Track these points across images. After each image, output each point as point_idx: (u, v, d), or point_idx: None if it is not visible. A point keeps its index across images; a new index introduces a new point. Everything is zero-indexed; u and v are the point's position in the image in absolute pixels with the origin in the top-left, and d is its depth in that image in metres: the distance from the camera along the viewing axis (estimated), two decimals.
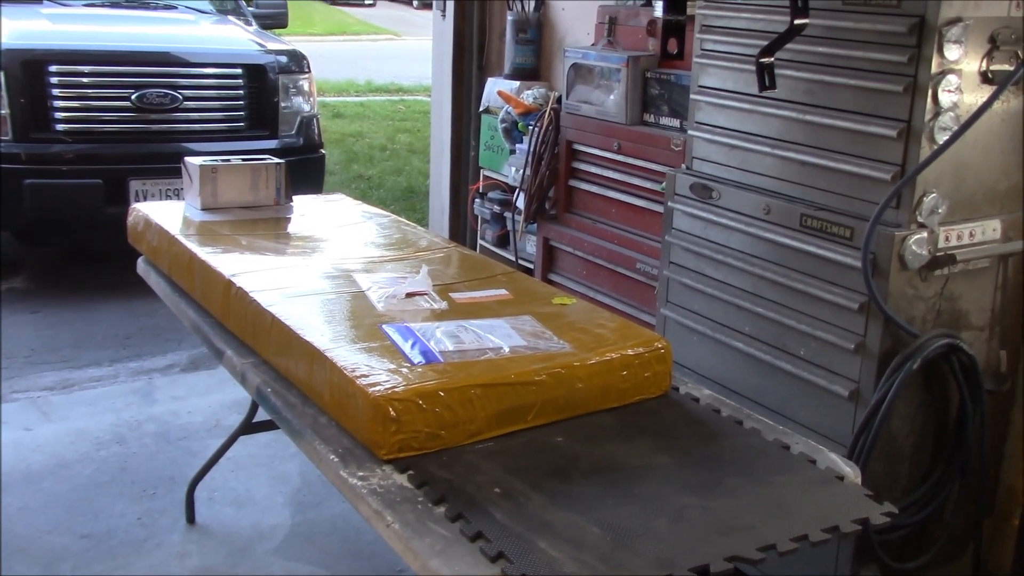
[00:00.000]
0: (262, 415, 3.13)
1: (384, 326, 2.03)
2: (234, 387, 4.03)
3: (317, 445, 1.82)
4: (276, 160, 3.01)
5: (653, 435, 1.87)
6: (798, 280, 2.34)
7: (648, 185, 3.20)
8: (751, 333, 2.49)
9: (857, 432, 2.17)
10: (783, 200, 2.39)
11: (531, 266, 3.80)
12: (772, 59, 2.04)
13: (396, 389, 1.74)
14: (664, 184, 2.78)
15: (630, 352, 1.97)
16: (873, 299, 2.14)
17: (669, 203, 2.70)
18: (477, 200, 4.23)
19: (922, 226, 2.16)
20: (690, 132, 2.67)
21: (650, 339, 2.03)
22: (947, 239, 2.20)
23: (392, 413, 1.71)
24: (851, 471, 1.78)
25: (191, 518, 3.14)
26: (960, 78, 2.10)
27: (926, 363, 2.16)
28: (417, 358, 1.87)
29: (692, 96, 2.65)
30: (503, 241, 4.15)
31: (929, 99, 2.08)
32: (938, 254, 2.18)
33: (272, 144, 5.35)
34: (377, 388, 1.74)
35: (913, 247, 2.13)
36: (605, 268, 3.39)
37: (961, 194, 2.21)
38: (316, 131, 5.72)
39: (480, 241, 4.34)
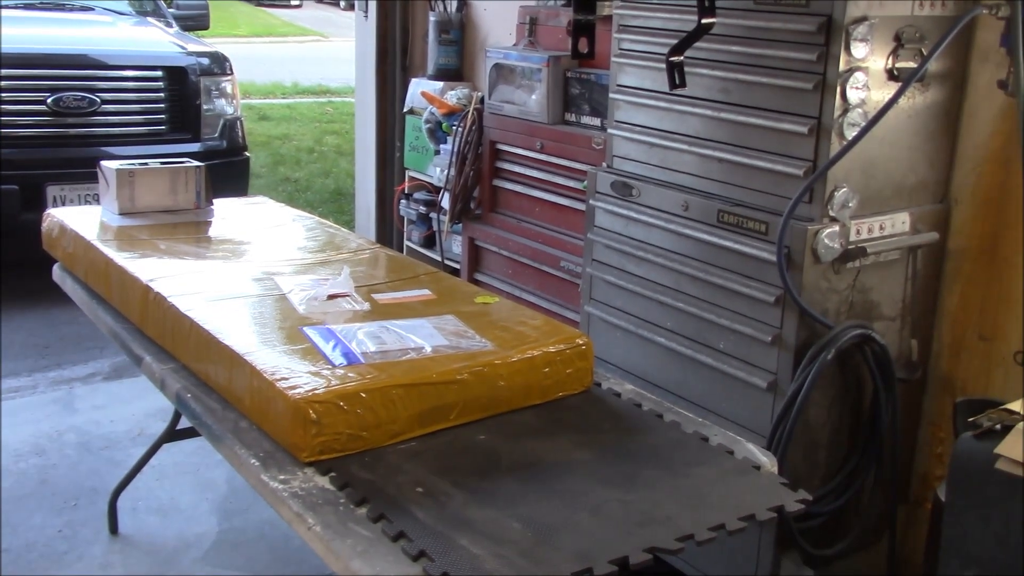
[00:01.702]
0: (186, 422, 3.09)
1: (305, 328, 2.02)
2: (158, 395, 3.95)
3: (237, 450, 1.80)
4: (195, 163, 2.97)
5: (574, 431, 1.89)
6: (716, 275, 2.38)
7: (571, 184, 3.23)
8: (672, 328, 2.53)
9: (775, 422, 2.22)
10: (701, 197, 2.43)
11: (457, 266, 3.81)
12: (682, 58, 2.08)
13: (316, 391, 1.73)
14: (586, 182, 2.81)
15: (552, 349, 1.99)
16: (788, 292, 2.19)
17: (591, 201, 2.73)
18: (403, 201, 4.22)
19: (834, 220, 2.21)
20: (610, 131, 2.70)
21: (571, 336, 2.04)
22: (858, 232, 2.26)
23: (312, 415, 1.70)
24: (767, 460, 1.81)
25: (114, 529, 3.08)
26: (867, 75, 2.15)
27: (840, 353, 2.22)
28: (338, 360, 1.87)
29: (611, 95, 2.68)
30: (430, 242, 4.15)
31: (838, 96, 2.13)
32: (850, 247, 2.24)
33: (195, 147, 5.26)
34: (297, 391, 1.73)
35: (825, 240, 2.19)
36: (530, 267, 3.41)
37: (870, 189, 2.27)
38: (240, 134, 5.65)
39: (406, 242, 4.33)
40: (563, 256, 3.22)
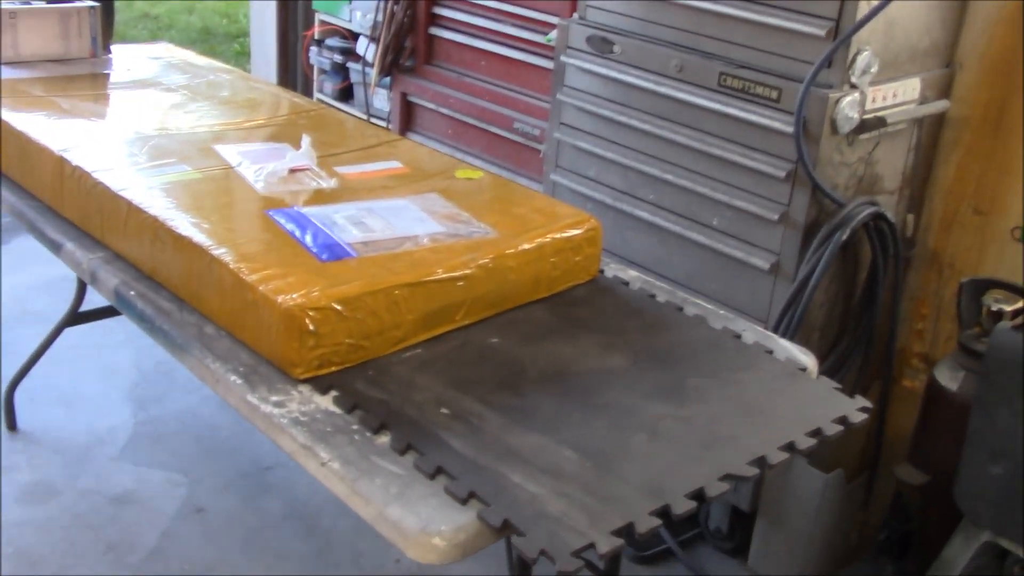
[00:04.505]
0: (90, 303, 2.73)
1: (272, 213, 1.71)
2: (40, 266, 3.53)
3: (210, 363, 1.51)
4: (90, 3, 2.50)
5: (595, 330, 1.67)
6: (714, 145, 2.16)
7: (526, 36, 2.89)
8: (655, 202, 2.31)
9: (784, 308, 2.06)
10: (698, 56, 2.17)
11: (384, 123, 3.45)
12: None
13: (312, 295, 1.44)
14: (549, 36, 2.51)
15: (561, 235, 1.74)
16: (804, 167, 1.99)
17: (561, 57, 2.43)
18: (313, 48, 3.79)
19: (853, 87, 2.00)
20: None
21: (579, 219, 1.80)
22: (873, 100, 2.06)
23: (309, 326, 1.42)
24: (809, 361, 1.65)
25: (12, 424, 2.74)
26: None
27: (852, 232, 2.05)
28: (324, 254, 1.57)
29: None
30: (345, 95, 3.75)
31: None
32: (866, 116, 2.04)
33: None
34: (288, 297, 1.44)
35: (846, 110, 1.99)
36: (475, 128, 3.10)
37: (889, 52, 2.06)
38: None
39: (318, 95, 3.91)
40: (517, 117, 2.92)
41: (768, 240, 2.12)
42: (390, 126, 3.36)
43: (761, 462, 1.37)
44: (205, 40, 7.45)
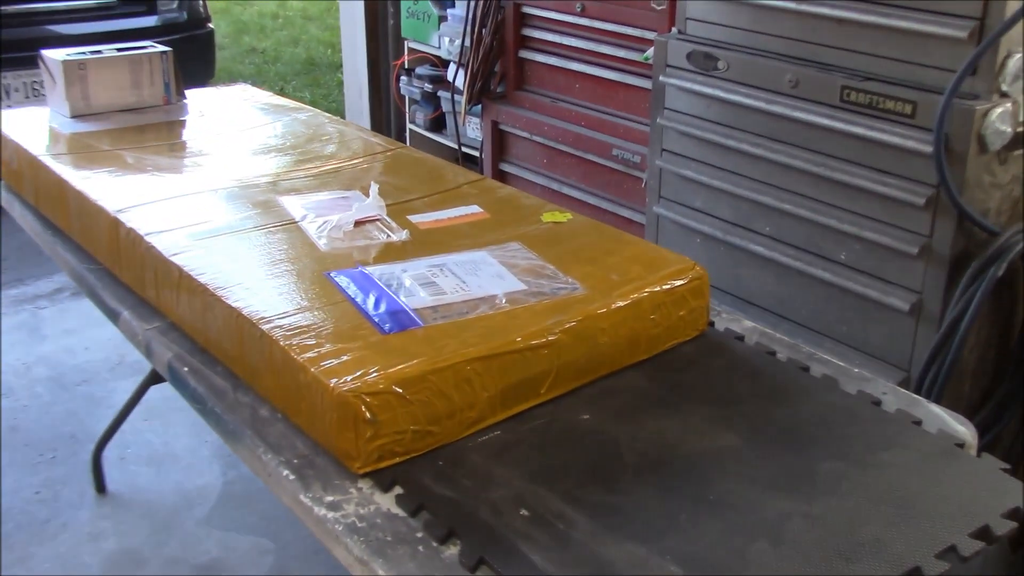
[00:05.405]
0: None
1: (333, 274, 1.53)
2: None
3: (263, 455, 1.33)
4: (161, 48, 2.39)
5: (703, 400, 1.42)
6: (838, 169, 1.89)
7: (623, 54, 2.66)
8: (772, 234, 2.05)
9: (929, 357, 1.77)
10: (815, 69, 1.91)
11: (476, 153, 3.26)
12: None
13: (368, 378, 1.25)
14: (648, 53, 2.27)
15: (660, 288, 1.51)
16: (948, 192, 1.70)
17: (660, 77, 2.20)
18: (403, 77, 3.64)
19: (1004, 96, 1.71)
20: None
21: (682, 268, 1.56)
22: None
23: (366, 414, 1.23)
24: (968, 433, 1.37)
25: (100, 486, 2.64)
26: None
27: (1009, 266, 1.75)
28: (387, 324, 1.38)
29: None
30: (437, 124, 3.59)
31: None
32: (1020, 129, 1.74)
33: (150, 21, 4.63)
34: (341, 380, 1.25)
35: (996, 123, 1.69)
36: (571, 156, 2.88)
37: None
38: (201, 2, 4.98)
39: (410, 125, 3.76)
40: (615, 143, 2.69)
41: (907, 277, 1.83)
42: (483, 157, 3.17)
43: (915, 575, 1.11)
44: (309, 71, 7.45)
